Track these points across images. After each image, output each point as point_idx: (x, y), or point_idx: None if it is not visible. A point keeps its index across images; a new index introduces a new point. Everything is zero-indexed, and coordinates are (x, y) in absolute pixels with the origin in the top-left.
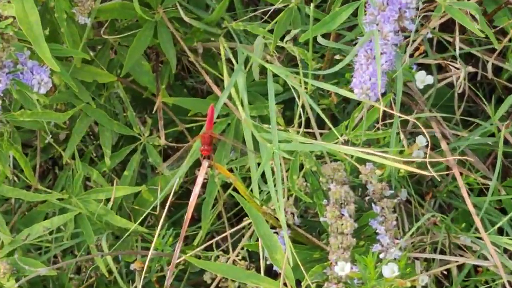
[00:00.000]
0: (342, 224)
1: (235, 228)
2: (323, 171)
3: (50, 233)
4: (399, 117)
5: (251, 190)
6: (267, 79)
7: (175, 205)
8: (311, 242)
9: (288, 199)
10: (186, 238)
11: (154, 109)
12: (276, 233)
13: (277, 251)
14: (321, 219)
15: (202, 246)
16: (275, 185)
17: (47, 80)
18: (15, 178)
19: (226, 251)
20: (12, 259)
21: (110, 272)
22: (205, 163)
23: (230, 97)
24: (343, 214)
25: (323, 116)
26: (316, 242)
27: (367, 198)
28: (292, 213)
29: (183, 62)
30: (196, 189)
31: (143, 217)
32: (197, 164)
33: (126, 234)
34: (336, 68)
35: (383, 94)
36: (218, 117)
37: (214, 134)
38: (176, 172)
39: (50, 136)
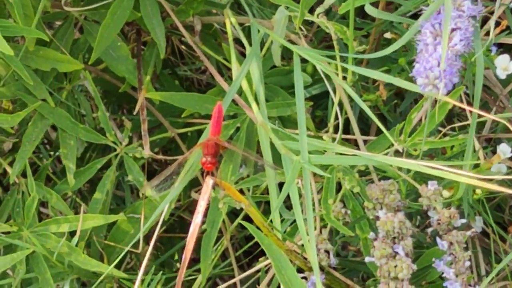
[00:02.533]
0: (395, 266)
1: (247, 273)
2: (369, 193)
3: None
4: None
5: (271, 221)
6: (293, 66)
7: (163, 239)
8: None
9: (321, 231)
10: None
11: (136, 109)
12: (305, 278)
13: None
14: (367, 259)
15: None
16: (303, 213)
17: None
18: None
19: None
20: None
21: None
22: (209, 182)
23: (240, 92)
24: (396, 253)
25: (370, 115)
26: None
27: (429, 230)
28: (327, 252)
29: (174, 43)
30: (198, 219)
31: (120, 256)
32: (194, 184)
33: (98, 281)
34: (388, 50)
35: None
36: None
37: (222, 142)
38: (165, 195)
39: None
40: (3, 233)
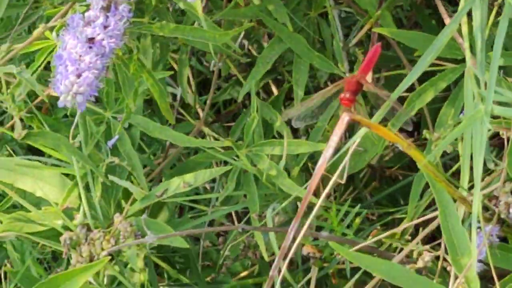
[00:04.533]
0: None
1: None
2: None
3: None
4: None
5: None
6: None
7: None
8: None
9: (505, 184)
10: None
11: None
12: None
13: (465, 253)
14: None
15: None
16: None
17: None
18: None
19: None
20: (138, 220)
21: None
22: (344, 118)
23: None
24: None
25: None
26: None
27: None
28: (508, 204)
29: None
30: (327, 153)
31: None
32: None
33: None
34: None
35: None
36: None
37: (365, 81)
38: None
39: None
40: (223, 148)
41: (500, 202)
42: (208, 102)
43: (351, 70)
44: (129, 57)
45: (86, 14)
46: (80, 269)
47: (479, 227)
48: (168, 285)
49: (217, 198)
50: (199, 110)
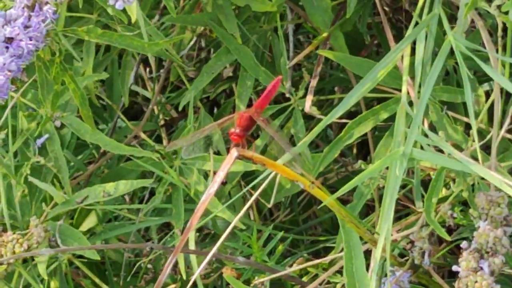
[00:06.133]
0: (475, 282)
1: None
2: (476, 201)
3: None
4: None
5: None
6: None
7: None
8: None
9: (421, 229)
10: None
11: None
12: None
13: None
14: (454, 267)
15: None
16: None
17: None
18: None
19: None
20: (53, 225)
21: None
22: (233, 154)
23: None
24: (481, 268)
25: None
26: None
27: None
28: (422, 250)
29: None
30: (212, 188)
31: None
32: None
33: None
34: None
35: None
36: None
37: (257, 117)
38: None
39: None
40: (161, 156)
41: (414, 248)
42: (150, 106)
43: (296, 88)
44: (51, 59)
45: (8, 12)
46: None
47: (391, 271)
48: None
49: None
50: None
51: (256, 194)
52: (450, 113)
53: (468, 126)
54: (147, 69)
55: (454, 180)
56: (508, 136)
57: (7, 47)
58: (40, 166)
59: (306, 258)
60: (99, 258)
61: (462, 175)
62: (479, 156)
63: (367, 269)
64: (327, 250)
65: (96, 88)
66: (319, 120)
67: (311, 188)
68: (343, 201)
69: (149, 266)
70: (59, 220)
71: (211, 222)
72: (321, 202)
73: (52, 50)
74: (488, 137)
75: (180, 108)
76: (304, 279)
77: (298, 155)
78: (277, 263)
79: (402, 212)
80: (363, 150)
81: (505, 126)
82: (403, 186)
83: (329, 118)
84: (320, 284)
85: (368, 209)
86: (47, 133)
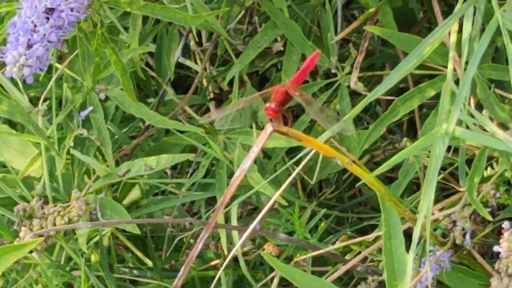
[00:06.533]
0: None
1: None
2: None
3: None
4: None
5: None
6: None
7: None
8: (480, 268)
9: (463, 208)
10: None
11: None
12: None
13: (403, 278)
14: (495, 247)
15: None
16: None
17: None
18: None
19: None
20: (95, 198)
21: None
22: (268, 129)
23: None
24: None
25: None
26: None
27: None
28: (464, 230)
29: None
30: (246, 163)
31: None
32: None
33: None
34: None
35: None
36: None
37: (293, 92)
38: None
39: None
40: (206, 130)
41: (456, 228)
42: (196, 80)
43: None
44: (92, 31)
45: None
46: (10, 247)
47: (432, 251)
48: (127, 267)
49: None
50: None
51: (297, 170)
52: (499, 91)
53: None
54: (197, 43)
55: (497, 160)
56: None
57: (47, 18)
58: (83, 139)
59: (349, 236)
60: (139, 232)
61: (505, 155)
62: None
63: (408, 248)
64: (373, 228)
65: (142, 60)
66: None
67: (350, 165)
68: (391, 179)
69: (192, 241)
70: (101, 193)
71: (255, 198)
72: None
73: (94, 22)
74: None
75: (226, 82)
76: (347, 257)
77: (343, 130)
78: (321, 241)
79: (448, 191)
80: (413, 127)
81: None
82: (450, 165)
83: (372, 95)
84: (364, 263)
85: (417, 187)
86: (91, 105)
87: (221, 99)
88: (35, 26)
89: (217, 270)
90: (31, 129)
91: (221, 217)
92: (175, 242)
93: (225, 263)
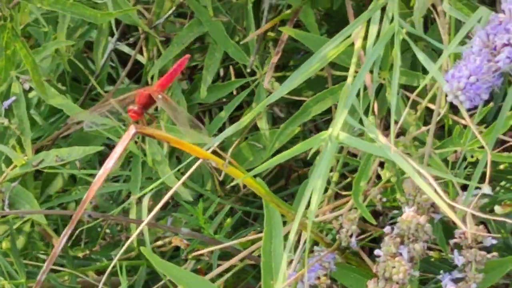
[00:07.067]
0: (393, 267)
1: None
2: (404, 187)
3: None
4: None
5: None
6: None
7: None
8: (363, 265)
9: (350, 211)
10: None
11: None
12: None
13: (279, 278)
14: (376, 251)
15: None
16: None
17: None
18: None
19: None
20: (7, 186)
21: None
22: (131, 130)
23: None
24: (400, 254)
25: None
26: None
27: (452, 241)
28: (349, 232)
29: None
30: (109, 164)
31: None
32: None
33: None
34: None
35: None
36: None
37: (155, 96)
38: None
39: None
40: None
41: (342, 230)
42: (122, 74)
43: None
44: (2, 25)
45: None
46: None
47: (313, 251)
48: (46, 254)
49: None
50: None
51: (196, 165)
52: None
53: (429, 110)
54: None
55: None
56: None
57: None
58: (5, 128)
59: (259, 231)
60: (45, 222)
61: (391, 161)
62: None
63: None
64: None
65: (69, 53)
66: None
67: (225, 167)
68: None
69: (108, 230)
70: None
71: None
72: (289, 176)
73: (4, 16)
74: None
75: (149, 77)
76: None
77: (206, 133)
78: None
79: None
80: None
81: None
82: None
83: (271, 98)
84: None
85: None
86: (14, 95)
87: None
88: None
89: (132, 260)
90: None
91: (133, 210)
92: (83, 231)
93: (118, 254)
